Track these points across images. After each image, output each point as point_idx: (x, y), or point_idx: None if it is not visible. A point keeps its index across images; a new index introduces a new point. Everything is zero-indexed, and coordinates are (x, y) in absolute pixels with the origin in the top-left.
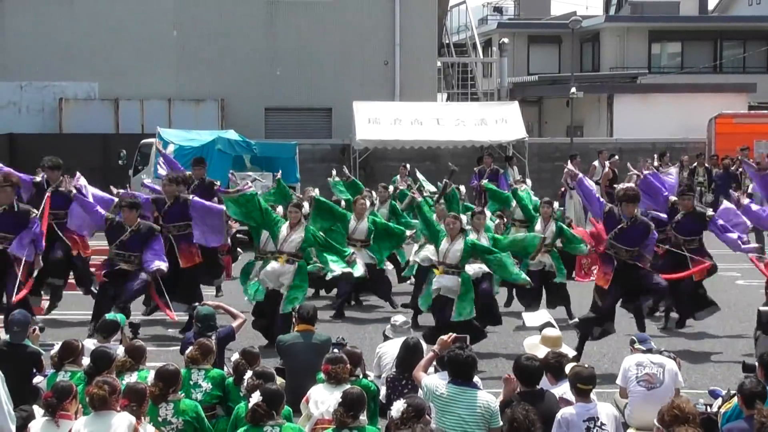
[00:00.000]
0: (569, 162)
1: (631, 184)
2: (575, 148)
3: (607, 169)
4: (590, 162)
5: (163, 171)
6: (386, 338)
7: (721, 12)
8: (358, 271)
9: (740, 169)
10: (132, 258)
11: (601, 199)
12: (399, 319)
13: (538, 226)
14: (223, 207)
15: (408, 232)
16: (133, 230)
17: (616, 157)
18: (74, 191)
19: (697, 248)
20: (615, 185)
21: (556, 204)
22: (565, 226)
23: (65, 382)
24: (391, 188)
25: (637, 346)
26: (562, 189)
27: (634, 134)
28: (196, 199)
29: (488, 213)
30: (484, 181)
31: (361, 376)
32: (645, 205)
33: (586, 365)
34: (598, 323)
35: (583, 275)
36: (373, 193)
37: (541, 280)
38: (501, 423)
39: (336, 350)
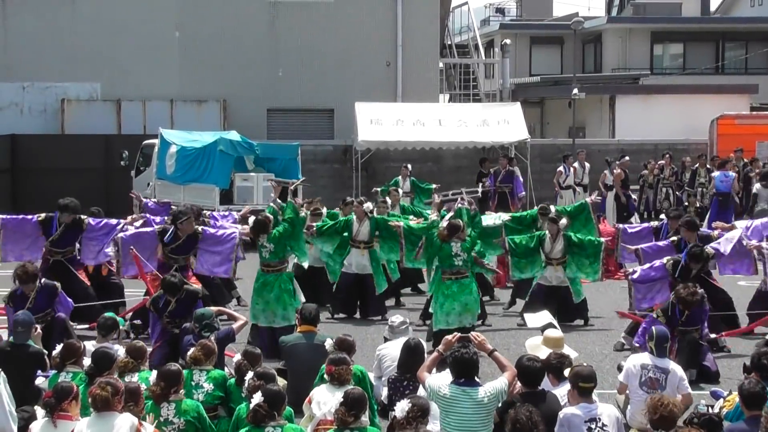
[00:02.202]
0: (563, 163)
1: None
2: (577, 150)
3: (618, 171)
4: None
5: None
6: (386, 339)
7: (723, 13)
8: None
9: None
10: (181, 322)
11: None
12: (396, 319)
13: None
14: (235, 237)
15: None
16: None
17: (627, 158)
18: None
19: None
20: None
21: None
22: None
23: (66, 382)
24: (400, 191)
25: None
26: (556, 189)
27: (636, 135)
28: (208, 231)
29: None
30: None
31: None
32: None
33: (585, 364)
34: None
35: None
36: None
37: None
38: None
39: (329, 339)
